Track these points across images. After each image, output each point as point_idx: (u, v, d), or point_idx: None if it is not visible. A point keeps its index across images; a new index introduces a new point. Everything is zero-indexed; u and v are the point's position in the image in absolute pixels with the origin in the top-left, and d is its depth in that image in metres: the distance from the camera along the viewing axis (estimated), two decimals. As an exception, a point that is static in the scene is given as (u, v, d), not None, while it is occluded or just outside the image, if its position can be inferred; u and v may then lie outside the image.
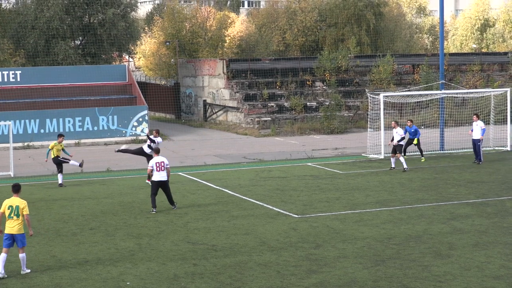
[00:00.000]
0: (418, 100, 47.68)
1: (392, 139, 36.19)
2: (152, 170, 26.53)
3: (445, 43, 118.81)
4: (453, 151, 41.86)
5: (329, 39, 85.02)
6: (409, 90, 49.83)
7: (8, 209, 18.89)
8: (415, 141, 38.41)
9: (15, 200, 19.01)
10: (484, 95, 47.06)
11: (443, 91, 44.09)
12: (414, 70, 64.68)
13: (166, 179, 26.62)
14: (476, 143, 37.50)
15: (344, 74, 62.63)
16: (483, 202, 27.26)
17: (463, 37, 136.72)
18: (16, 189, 19.25)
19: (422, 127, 49.36)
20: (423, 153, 39.37)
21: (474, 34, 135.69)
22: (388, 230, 23.08)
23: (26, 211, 18.92)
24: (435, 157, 40.33)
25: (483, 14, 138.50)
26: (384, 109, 41.29)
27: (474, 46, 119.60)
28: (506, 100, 44.04)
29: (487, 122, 45.46)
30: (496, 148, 42.71)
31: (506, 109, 43.71)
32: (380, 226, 23.65)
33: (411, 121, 38.94)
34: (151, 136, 32.94)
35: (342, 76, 62.13)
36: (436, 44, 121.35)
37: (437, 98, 45.46)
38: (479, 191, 29.76)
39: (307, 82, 61.05)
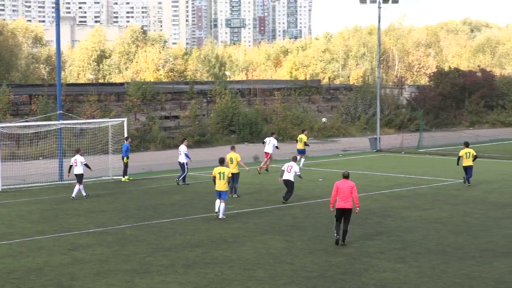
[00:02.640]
0: (36, 131, 46.91)
1: None
2: None
3: (63, 73, 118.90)
4: (72, 181, 41.68)
5: None
6: (26, 121, 48.91)
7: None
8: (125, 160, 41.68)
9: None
10: (102, 125, 47.56)
11: (61, 121, 43.86)
12: (31, 101, 63.75)
13: None
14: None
15: (-43, 104, 60.01)
16: (104, 231, 27.39)
17: (80, 67, 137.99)
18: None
19: (41, 157, 48.62)
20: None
21: (91, 64, 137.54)
22: (7, 264, 22.28)
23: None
24: (54, 188, 39.94)
25: (100, 46, 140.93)
26: (1, 140, 40.09)
27: (91, 76, 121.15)
28: (124, 129, 44.89)
29: (105, 152, 46.03)
30: (115, 177, 43.31)
31: (124, 139, 44.48)
32: (-2, 261, 22.78)
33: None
34: None
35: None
36: (53, 74, 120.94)
37: (55, 129, 45.09)
38: (99, 220, 29.88)
39: None
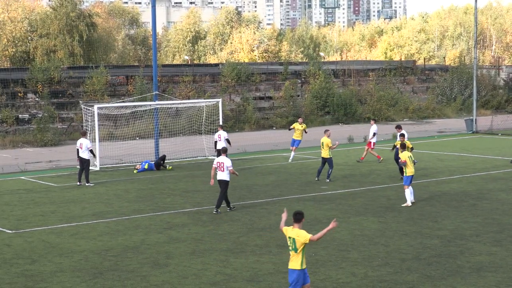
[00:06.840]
0: (133, 111, 47.69)
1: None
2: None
3: (158, 54, 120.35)
4: (167, 161, 42.24)
5: (41, 49, 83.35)
6: (123, 101, 49.78)
7: None
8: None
9: None
10: (197, 105, 48.05)
11: (157, 102, 44.45)
12: (128, 81, 64.85)
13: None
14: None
15: (57, 85, 61.44)
16: (199, 211, 27.74)
17: (175, 49, 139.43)
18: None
19: (137, 138, 49.45)
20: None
21: (186, 46, 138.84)
22: (105, 242, 22.81)
23: None
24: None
25: (195, 27, 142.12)
26: (98, 120, 40.92)
27: (187, 57, 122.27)
28: (218, 110, 45.24)
29: (200, 132, 46.53)
30: (210, 157, 43.70)
31: (219, 119, 44.87)
32: (97, 238, 23.32)
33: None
34: None
35: (55, 88, 60.90)
36: (150, 55, 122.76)
37: (151, 109, 45.72)
38: (194, 200, 30.25)
39: (19, 94, 59.20)
